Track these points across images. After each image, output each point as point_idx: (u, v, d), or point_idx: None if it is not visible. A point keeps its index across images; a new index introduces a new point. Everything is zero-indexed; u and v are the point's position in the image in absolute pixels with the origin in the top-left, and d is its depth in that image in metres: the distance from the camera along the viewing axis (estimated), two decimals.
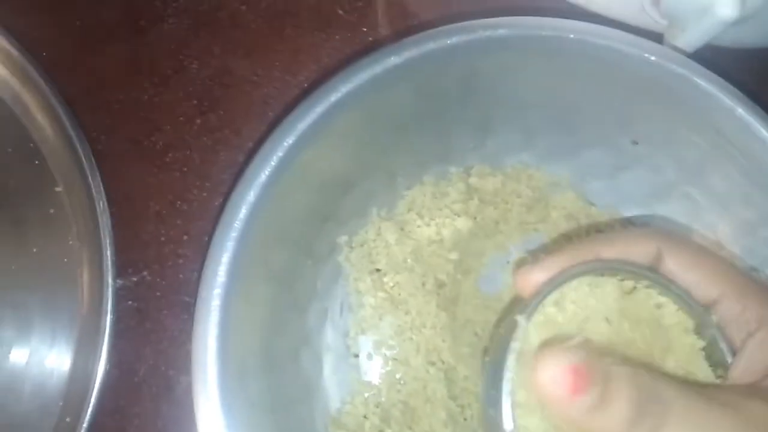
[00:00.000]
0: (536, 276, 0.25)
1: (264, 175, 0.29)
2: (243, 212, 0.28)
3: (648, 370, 0.21)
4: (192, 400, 0.27)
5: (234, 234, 0.28)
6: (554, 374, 0.20)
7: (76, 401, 0.34)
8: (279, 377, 0.33)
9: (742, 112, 0.30)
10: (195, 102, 0.40)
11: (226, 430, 0.27)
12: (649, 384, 0.20)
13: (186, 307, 0.37)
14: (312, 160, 0.31)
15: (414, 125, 0.35)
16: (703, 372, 0.25)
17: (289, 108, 0.38)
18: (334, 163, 0.33)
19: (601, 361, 0.20)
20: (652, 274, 0.26)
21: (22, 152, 0.38)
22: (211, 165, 0.39)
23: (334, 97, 0.30)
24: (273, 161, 0.29)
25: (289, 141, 0.29)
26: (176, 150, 0.39)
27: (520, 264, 0.27)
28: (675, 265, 0.25)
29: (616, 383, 0.20)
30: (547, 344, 0.23)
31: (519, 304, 0.26)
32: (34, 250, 0.37)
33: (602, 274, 0.25)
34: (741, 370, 0.23)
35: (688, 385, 0.22)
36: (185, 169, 0.39)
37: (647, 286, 0.26)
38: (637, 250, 0.25)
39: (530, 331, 0.24)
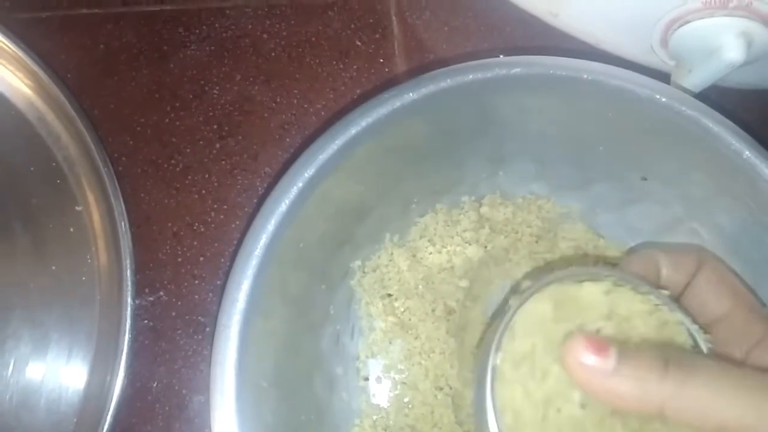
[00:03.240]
0: None
1: (284, 204, 0.30)
2: (263, 241, 0.29)
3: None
4: (204, 420, 0.28)
5: (254, 262, 0.29)
6: (579, 344, 0.22)
7: (91, 419, 0.34)
8: (292, 400, 0.34)
9: (750, 155, 0.31)
10: (215, 126, 0.41)
11: None
12: (671, 352, 0.22)
13: (200, 328, 0.38)
14: (330, 189, 0.32)
15: (429, 156, 0.36)
16: None
17: (306, 135, 0.39)
18: (351, 192, 0.34)
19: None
20: (624, 275, 0.26)
21: (44, 171, 0.39)
22: (229, 189, 0.40)
23: (354, 130, 0.31)
24: (293, 191, 0.30)
25: (310, 172, 0.30)
26: (195, 173, 0.40)
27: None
28: (702, 285, 0.27)
29: (636, 351, 0.22)
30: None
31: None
32: (53, 268, 0.38)
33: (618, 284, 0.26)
34: None
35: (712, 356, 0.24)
36: (203, 191, 0.40)
37: (617, 285, 0.26)
38: (682, 262, 0.27)
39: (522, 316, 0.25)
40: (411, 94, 0.31)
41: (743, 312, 0.26)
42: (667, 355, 0.22)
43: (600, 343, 0.22)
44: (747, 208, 0.33)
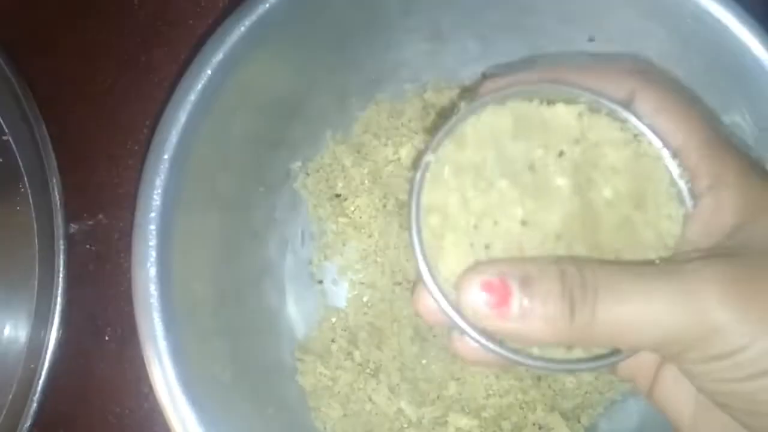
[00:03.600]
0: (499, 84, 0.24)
1: (193, 94, 0.28)
2: (173, 134, 0.27)
3: (570, 258, 0.21)
4: None
5: (166, 156, 0.27)
6: (473, 297, 0.20)
7: (39, 346, 0.33)
8: (239, 306, 0.32)
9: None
10: (139, 39, 0.38)
11: (171, 359, 0.26)
12: (573, 273, 0.20)
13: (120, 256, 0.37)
14: (248, 78, 0.30)
15: (358, 39, 0.33)
16: (675, 214, 0.23)
17: None
18: (275, 81, 0.32)
19: (516, 267, 0.20)
20: (600, 98, 0.23)
21: None
22: (161, 103, 0.38)
23: (261, 8, 0.28)
24: (203, 79, 0.28)
25: (218, 57, 0.28)
26: (123, 89, 0.38)
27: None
28: (645, 108, 0.23)
29: (537, 285, 0.20)
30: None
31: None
32: None
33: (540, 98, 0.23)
34: (697, 235, 0.22)
35: (621, 263, 0.21)
36: (134, 108, 0.38)
37: (592, 110, 0.23)
38: (610, 85, 0.23)
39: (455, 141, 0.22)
40: None
41: (697, 146, 0.22)
42: (570, 284, 0.20)
43: (500, 291, 0.20)
44: (700, 55, 0.30)
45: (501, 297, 0.20)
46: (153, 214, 0.27)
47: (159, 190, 0.27)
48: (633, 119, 0.23)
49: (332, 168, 0.36)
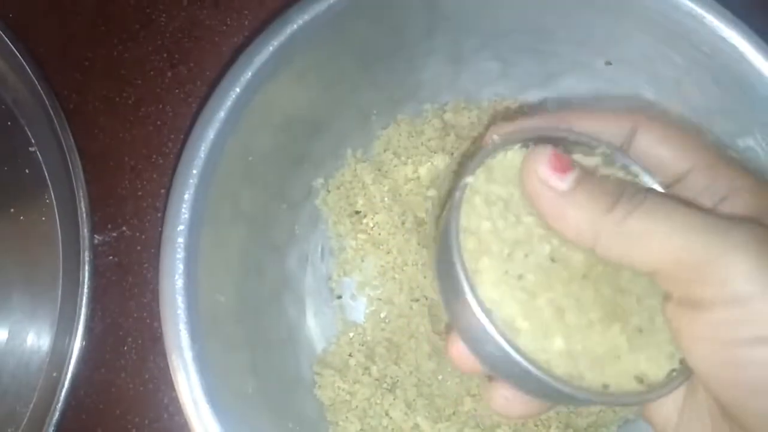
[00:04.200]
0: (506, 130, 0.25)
1: (222, 112, 0.29)
2: (202, 150, 0.28)
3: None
4: None
5: (195, 171, 0.28)
6: (541, 156, 0.22)
7: (61, 355, 0.34)
8: (260, 320, 0.33)
9: (712, 18, 0.29)
10: (165, 55, 0.39)
11: (197, 370, 0.27)
12: (632, 186, 0.22)
13: (144, 267, 0.37)
14: (274, 96, 0.30)
15: (382, 60, 0.34)
16: None
17: None
18: (299, 100, 0.33)
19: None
20: (616, 151, 0.24)
21: None
22: (185, 118, 0.39)
23: (289, 29, 0.29)
24: (231, 97, 0.29)
25: (246, 76, 0.29)
26: (149, 104, 0.39)
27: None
28: (647, 140, 0.24)
29: (593, 176, 0.22)
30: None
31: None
32: (12, 210, 0.37)
33: (563, 145, 0.24)
34: None
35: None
36: (159, 122, 0.38)
37: (607, 163, 0.24)
38: (611, 125, 0.24)
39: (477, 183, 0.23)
40: None
41: (705, 166, 0.23)
42: (624, 188, 0.21)
43: (564, 162, 0.21)
44: (714, 79, 0.31)
45: (564, 166, 0.21)
46: (181, 228, 0.27)
47: (187, 205, 0.28)
48: (644, 175, 0.24)
49: (353, 185, 0.37)
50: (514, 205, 0.23)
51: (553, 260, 0.22)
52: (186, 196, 0.28)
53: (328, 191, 0.37)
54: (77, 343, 0.34)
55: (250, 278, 0.32)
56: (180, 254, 0.27)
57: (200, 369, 0.26)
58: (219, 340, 0.29)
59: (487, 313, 0.21)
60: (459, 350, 0.23)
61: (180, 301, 0.27)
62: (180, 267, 0.27)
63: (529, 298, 0.22)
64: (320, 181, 0.36)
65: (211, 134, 0.28)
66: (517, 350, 0.21)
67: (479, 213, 0.23)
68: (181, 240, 0.27)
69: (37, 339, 0.36)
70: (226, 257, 0.31)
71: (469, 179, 0.23)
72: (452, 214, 0.22)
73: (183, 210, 0.27)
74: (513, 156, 0.24)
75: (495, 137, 0.24)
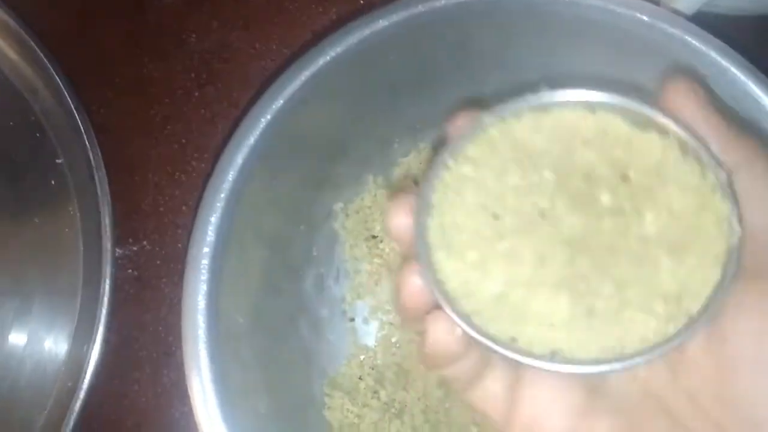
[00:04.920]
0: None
1: (252, 138, 0.29)
2: (231, 174, 0.29)
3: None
4: None
5: (222, 195, 0.29)
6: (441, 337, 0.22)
7: (78, 364, 0.35)
8: (274, 340, 0.33)
9: (736, 72, 0.30)
10: (193, 75, 0.40)
11: (213, 388, 0.27)
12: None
13: (166, 281, 0.38)
14: (302, 124, 0.31)
15: (406, 90, 0.35)
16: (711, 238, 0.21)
17: None
18: (325, 128, 0.33)
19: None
20: (708, 152, 0.22)
21: (23, 125, 0.38)
22: (210, 137, 0.39)
23: (322, 60, 0.30)
24: (261, 124, 0.30)
25: (278, 104, 0.30)
26: (175, 122, 0.40)
27: None
28: (753, 180, 0.22)
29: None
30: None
31: None
32: (36, 220, 0.38)
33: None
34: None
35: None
36: (184, 141, 0.39)
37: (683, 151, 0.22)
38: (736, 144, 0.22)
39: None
40: (381, 21, 0.31)
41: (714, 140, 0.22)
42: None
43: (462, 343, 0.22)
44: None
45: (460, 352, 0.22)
46: (206, 250, 0.28)
47: (213, 227, 0.28)
48: (718, 172, 0.22)
49: (371, 210, 0.38)
50: (542, 156, 0.22)
51: (542, 215, 0.22)
52: (212, 219, 0.28)
53: (347, 215, 0.37)
54: (94, 353, 0.34)
55: (267, 299, 0.33)
56: (204, 276, 0.28)
57: (217, 388, 0.27)
58: (235, 360, 0.29)
59: (442, 234, 0.22)
60: (414, 287, 0.22)
61: (201, 321, 0.27)
62: (203, 288, 0.28)
63: (494, 236, 0.22)
64: (340, 205, 0.37)
65: (239, 159, 0.29)
66: (446, 275, 0.21)
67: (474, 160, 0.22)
68: (205, 262, 0.28)
69: (55, 346, 0.37)
70: (247, 278, 0.31)
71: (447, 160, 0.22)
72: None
73: (209, 233, 0.28)
74: (565, 112, 0.23)
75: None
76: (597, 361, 0.21)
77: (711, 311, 0.21)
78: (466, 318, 0.21)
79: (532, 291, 0.21)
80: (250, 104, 0.39)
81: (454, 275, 0.22)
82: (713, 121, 0.23)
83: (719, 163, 0.22)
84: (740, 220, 0.21)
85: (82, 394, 0.34)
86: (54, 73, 0.38)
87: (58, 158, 0.38)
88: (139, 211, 0.38)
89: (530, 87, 0.23)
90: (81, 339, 0.36)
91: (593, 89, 0.23)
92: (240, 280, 0.30)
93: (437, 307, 0.22)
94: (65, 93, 0.38)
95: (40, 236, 0.38)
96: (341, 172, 0.36)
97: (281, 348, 0.34)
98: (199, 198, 0.37)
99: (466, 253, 0.22)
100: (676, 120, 0.22)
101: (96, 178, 0.36)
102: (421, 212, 0.22)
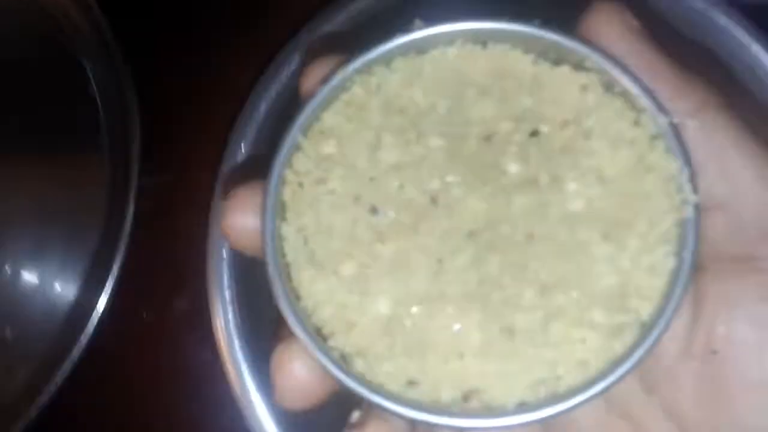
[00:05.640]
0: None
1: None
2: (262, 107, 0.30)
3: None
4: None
5: (252, 126, 0.30)
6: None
7: (95, 286, 0.35)
8: None
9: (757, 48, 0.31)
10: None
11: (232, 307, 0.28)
12: None
13: (203, 210, 0.38)
14: None
15: None
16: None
17: None
18: None
19: None
20: (643, 90, 0.17)
21: (54, 52, 0.39)
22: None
23: None
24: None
25: None
26: (210, 54, 0.39)
27: None
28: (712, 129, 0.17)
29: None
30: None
31: None
32: (64, 152, 0.38)
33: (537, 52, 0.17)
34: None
35: None
36: (216, 74, 0.39)
37: (606, 87, 0.17)
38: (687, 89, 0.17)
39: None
40: None
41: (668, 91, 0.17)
42: None
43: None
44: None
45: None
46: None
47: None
48: (657, 117, 0.17)
49: None
50: (430, 119, 0.17)
51: (434, 201, 0.17)
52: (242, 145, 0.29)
53: None
54: (113, 279, 0.35)
55: None
56: None
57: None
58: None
59: (302, 244, 0.17)
60: (239, 224, 0.18)
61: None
62: None
63: (373, 239, 0.17)
64: None
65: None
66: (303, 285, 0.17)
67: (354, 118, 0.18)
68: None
69: (66, 285, 0.37)
70: None
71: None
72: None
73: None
74: (457, 53, 0.18)
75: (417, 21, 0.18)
76: (522, 405, 0.16)
77: (669, 314, 0.16)
78: (346, 364, 0.17)
79: (431, 309, 0.16)
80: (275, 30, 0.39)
81: (324, 301, 0.17)
82: (649, 57, 0.17)
83: (659, 106, 0.16)
84: (694, 184, 0.16)
85: (92, 327, 0.34)
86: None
87: (90, 87, 0.39)
88: (165, 144, 0.39)
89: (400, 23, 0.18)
90: (102, 263, 0.36)
91: (482, 19, 0.17)
92: None
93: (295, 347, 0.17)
94: (101, 20, 0.38)
95: (66, 167, 0.38)
96: None
97: None
98: (224, 133, 0.38)
99: (339, 267, 0.17)
100: (597, 48, 0.17)
101: (129, 107, 0.36)
102: (270, 215, 0.17)
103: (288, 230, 0.17)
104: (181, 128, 0.39)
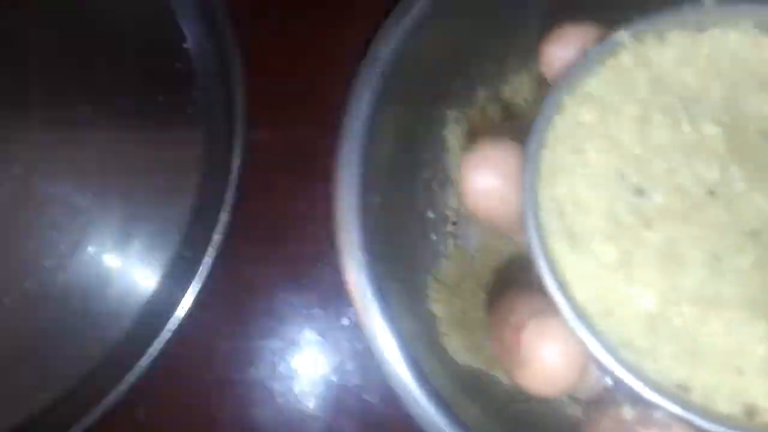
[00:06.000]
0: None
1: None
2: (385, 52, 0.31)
3: None
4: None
5: (367, 95, 0.31)
6: None
7: (201, 237, 0.36)
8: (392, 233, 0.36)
9: None
10: None
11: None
12: None
13: (298, 168, 0.39)
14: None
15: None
16: None
17: None
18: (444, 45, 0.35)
19: None
20: None
21: (150, 7, 0.39)
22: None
23: None
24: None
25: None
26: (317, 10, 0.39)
27: None
28: None
29: None
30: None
31: None
32: (160, 98, 0.39)
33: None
34: None
35: None
36: (321, 29, 0.40)
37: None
38: None
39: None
40: None
41: None
42: None
43: None
44: None
45: None
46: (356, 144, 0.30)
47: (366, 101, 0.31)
48: None
49: (479, 121, 0.39)
50: (705, 103, 0.16)
51: (711, 192, 0.15)
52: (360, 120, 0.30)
53: (457, 123, 0.39)
54: (219, 240, 0.36)
55: (390, 195, 0.35)
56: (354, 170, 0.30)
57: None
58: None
59: (558, 214, 0.15)
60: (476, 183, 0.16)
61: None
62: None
63: (638, 223, 0.15)
64: (454, 114, 0.39)
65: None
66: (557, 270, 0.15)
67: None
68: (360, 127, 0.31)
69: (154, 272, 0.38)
70: (378, 172, 0.33)
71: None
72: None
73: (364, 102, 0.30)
74: (734, 38, 0.16)
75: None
76: None
77: None
78: (612, 351, 0.15)
79: (706, 312, 0.15)
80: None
81: (580, 282, 0.15)
82: None
83: None
84: None
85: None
86: None
87: (185, 42, 0.39)
88: (271, 103, 0.39)
89: None
90: (203, 222, 0.37)
91: None
92: (378, 161, 0.32)
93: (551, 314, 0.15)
94: None
95: (164, 117, 0.38)
96: (456, 85, 0.38)
97: (397, 241, 0.36)
98: (329, 92, 0.38)
99: (599, 248, 0.16)
100: None
101: (230, 58, 0.36)
102: (528, 176, 0.16)
103: (542, 196, 0.16)
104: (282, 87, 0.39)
